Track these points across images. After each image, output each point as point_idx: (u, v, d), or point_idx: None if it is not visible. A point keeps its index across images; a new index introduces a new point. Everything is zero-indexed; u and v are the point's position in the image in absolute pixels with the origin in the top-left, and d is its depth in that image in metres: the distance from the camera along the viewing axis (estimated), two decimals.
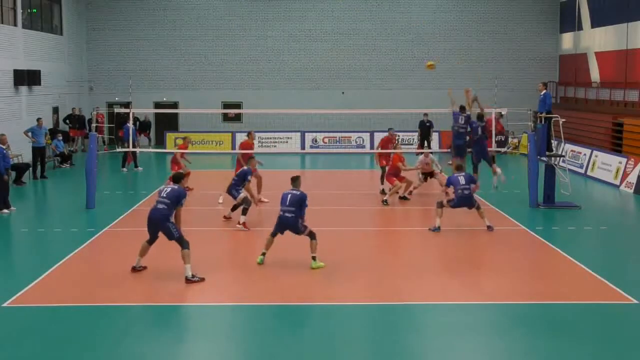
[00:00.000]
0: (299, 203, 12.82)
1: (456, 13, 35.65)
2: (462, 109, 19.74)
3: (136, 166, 26.59)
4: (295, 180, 13.20)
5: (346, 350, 9.30)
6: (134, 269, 12.55)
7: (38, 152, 24.06)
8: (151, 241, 12.44)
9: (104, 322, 10.17)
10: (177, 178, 12.69)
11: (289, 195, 12.92)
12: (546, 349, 9.24)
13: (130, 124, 23.02)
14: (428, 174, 20.79)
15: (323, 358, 9.05)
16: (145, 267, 12.62)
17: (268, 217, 15.97)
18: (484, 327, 10.14)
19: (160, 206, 12.15)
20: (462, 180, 15.81)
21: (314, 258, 12.82)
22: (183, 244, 12.08)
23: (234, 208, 16.76)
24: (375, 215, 18.42)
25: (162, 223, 12.11)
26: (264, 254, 13.12)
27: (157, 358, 9.08)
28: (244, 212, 16.11)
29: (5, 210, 18.02)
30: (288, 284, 12.11)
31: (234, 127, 34.36)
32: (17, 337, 9.62)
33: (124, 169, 26.19)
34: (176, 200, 12.14)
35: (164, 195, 12.19)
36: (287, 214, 12.84)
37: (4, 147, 18.67)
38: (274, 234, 13.16)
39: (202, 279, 12.01)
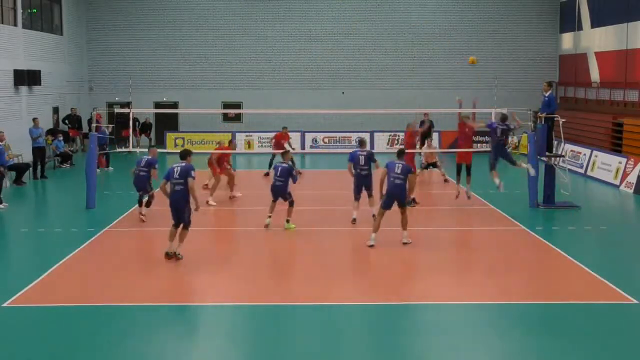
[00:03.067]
0: (288, 174, 15.34)
1: (456, 13, 35.64)
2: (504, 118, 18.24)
3: (108, 166, 26.44)
4: (284, 154, 16.14)
5: (346, 350, 9.30)
6: (167, 256, 13.01)
7: (38, 152, 24.07)
8: (177, 224, 13.01)
9: (104, 322, 10.17)
10: (184, 155, 13.13)
11: (280, 168, 15.47)
12: (546, 349, 9.24)
13: (103, 126, 22.89)
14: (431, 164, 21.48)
15: (323, 358, 9.05)
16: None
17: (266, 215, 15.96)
18: (484, 327, 10.14)
19: (178, 187, 12.73)
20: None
21: (288, 221, 15.41)
22: (187, 226, 12.95)
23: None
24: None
25: (182, 207, 12.77)
26: (269, 216, 15.42)
27: (157, 358, 9.08)
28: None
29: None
30: (287, 284, 12.13)
31: (234, 127, 34.35)
32: (17, 337, 9.62)
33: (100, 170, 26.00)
34: (186, 175, 12.66)
35: (177, 177, 12.74)
36: (277, 183, 15.42)
37: (2, 143, 18.78)
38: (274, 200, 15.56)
39: (182, 257, 13.01)
